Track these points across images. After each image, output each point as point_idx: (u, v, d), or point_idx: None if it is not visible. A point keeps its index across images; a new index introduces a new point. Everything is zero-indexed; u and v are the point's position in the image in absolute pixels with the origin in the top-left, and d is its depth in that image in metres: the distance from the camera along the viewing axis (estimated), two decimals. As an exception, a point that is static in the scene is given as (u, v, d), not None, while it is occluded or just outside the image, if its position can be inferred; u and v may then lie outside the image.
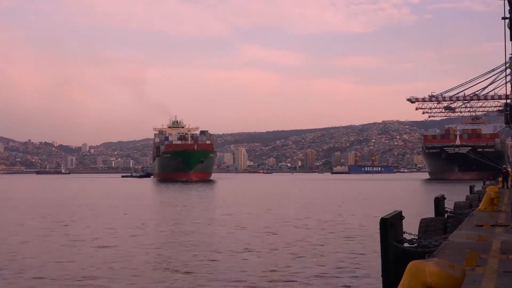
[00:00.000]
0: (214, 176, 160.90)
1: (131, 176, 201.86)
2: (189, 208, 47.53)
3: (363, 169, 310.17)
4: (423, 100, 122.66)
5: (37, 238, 27.20)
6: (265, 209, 44.84)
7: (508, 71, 65.21)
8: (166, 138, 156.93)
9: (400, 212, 12.24)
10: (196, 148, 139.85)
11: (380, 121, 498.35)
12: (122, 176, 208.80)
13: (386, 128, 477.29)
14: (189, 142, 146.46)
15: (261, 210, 43.90)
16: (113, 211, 44.48)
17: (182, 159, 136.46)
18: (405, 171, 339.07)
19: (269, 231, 29.33)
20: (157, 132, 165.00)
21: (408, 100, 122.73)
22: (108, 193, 77.75)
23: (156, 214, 43.11)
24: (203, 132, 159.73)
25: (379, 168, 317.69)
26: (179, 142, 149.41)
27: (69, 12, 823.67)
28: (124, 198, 64.53)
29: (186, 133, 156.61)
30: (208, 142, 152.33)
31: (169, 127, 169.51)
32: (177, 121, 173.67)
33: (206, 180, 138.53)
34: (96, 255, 21.79)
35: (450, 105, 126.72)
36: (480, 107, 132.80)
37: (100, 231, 29.87)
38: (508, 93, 61.58)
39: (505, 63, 51.78)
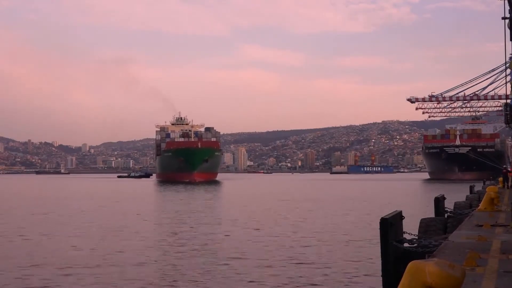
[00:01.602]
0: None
1: (129, 177, 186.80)
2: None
3: (362, 169, 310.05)
4: (423, 100, 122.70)
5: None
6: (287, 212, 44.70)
7: (508, 71, 65.28)
8: (168, 135, 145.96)
9: (400, 212, 12.24)
10: (200, 146, 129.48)
11: (380, 121, 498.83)
12: (118, 177, 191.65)
13: (386, 128, 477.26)
14: (193, 140, 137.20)
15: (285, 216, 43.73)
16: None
17: (185, 158, 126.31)
18: (405, 171, 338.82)
19: (274, 229, 29.40)
20: (159, 129, 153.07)
21: (408, 100, 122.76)
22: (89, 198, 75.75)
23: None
24: (208, 129, 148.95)
25: (379, 168, 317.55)
26: (181, 139, 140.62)
27: (69, 12, 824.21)
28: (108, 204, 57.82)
29: (189, 130, 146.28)
30: (213, 139, 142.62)
31: (172, 124, 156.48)
32: (181, 118, 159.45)
33: (211, 181, 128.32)
34: None
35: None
36: (480, 107, 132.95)
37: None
38: (508, 93, 61.62)
39: (505, 63, 51.82)
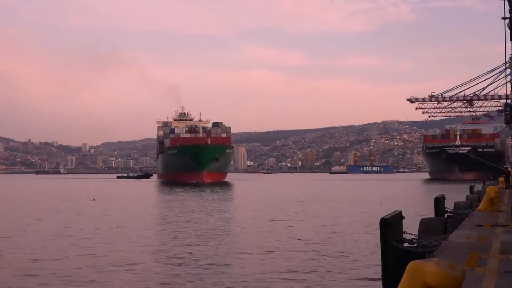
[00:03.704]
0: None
1: (128, 177, 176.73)
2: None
3: (361, 169, 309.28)
4: (423, 100, 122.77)
5: None
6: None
7: (508, 71, 65.28)
8: (172, 131, 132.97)
9: (400, 212, 12.25)
10: (209, 143, 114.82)
11: (380, 121, 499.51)
12: (118, 177, 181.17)
13: (386, 128, 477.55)
14: (201, 136, 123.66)
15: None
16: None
17: (192, 156, 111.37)
18: (405, 171, 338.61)
19: (272, 229, 29.38)
20: (161, 125, 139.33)
21: (408, 100, 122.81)
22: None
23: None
24: (216, 124, 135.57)
25: (379, 168, 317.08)
26: (187, 135, 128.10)
27: (69, 12, 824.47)
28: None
29: (195, 125, 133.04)
30: (223, 135, 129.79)
31: (175, 120, 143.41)
32: (184, 113, 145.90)
33: (221, 182, 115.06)
34: None
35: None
36: (480, 107, 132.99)
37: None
38: (508, 93, 61.64)
39: (505, 63, 51.83)
